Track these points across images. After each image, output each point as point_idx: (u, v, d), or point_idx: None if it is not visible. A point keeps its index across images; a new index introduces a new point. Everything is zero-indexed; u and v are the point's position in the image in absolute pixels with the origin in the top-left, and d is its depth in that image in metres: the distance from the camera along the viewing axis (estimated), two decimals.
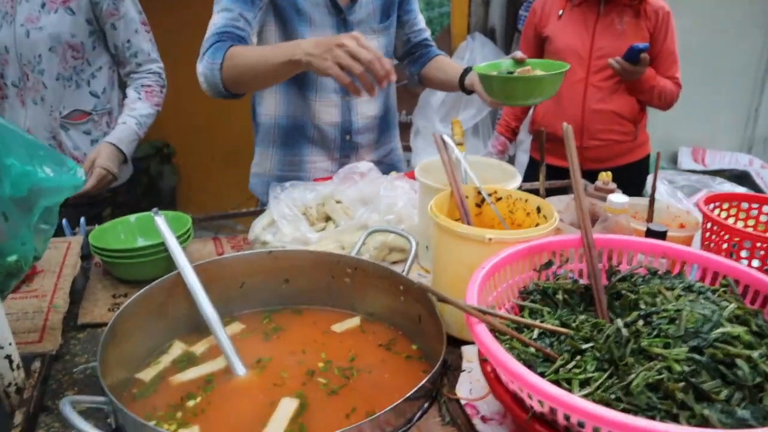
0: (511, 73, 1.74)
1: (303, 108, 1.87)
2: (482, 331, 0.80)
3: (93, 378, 1.09)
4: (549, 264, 1.08)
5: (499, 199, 1.29)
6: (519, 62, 1.80)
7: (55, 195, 0.89)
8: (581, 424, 0.71)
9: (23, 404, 0.93)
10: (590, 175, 2.09)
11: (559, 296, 1.03)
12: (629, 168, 2.59)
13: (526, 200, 1.26)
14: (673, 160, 4.21)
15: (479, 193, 1.29)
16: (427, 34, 2.05)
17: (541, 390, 0.71)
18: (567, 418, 0.72)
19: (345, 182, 1.54)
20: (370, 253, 1.42)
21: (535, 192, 1.86)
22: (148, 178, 4.57)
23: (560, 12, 2.50)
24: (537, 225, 1.24)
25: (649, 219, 1.41)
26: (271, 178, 1.97)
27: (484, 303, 0.93)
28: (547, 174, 2.67)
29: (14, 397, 0.96)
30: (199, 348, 1.21)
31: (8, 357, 0.94)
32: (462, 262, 1.10)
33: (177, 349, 1.21)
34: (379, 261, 1.42)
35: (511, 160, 3.24)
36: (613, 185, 1.56)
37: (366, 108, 1.95)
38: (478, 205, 1.30)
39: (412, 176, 1.66)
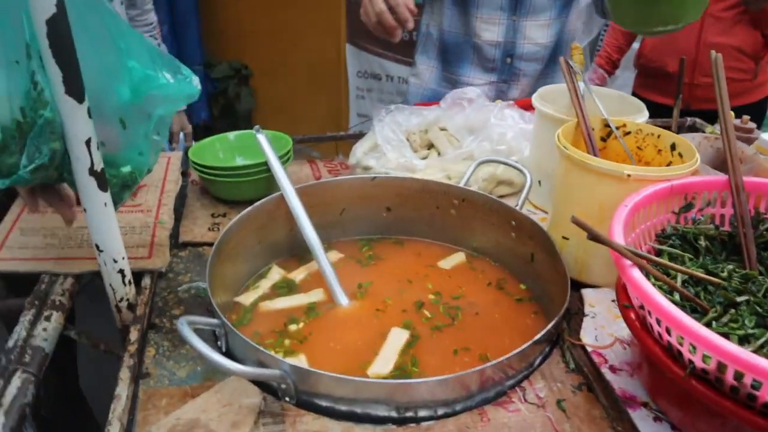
0: None
1: (465, 24, 1.81)
2: (638, 275, 0.72)
3: (197, 298, 1.07)
4: (689, 206, 0.98)
5: (628, 133, 1.18)
6: None
7: (171, 103, 0.84)
8: (756, 386, 0.63)
9: (137, 321, 0.91)
10: (700, 116, 1.93)
11: (702, 242, 0.93)
12: (744, 110, 2.37)
13: (659, 136, 1.15)
14: None
15: (606, 125, 1.18)
16: None
17: (712, 343, 0.63)
18: (738, 377, 0.64)
19: (452, 108, 1.45)
20: (478, 184, 1.33)
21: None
22: (225, 100, 4.55)
23: None
24: (669, 163, 1.13)
25: None
26: (427, 91, 1.94)
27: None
28: (652, 113, 2.52)
29: (126, 312, 0.94)
30: (298, 275, 1.17)
31: (121, 271, 0.91)
32: (593, 199, 1.01)
33: (275, 274, 1.17)
34: (486, 193, 1.34)
35: None
36: (753, 125, 1.41)
37: (535, 33, 1.82)
38: (603, 139, 1.19)
39: (521, 105, 1.56)
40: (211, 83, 4.55)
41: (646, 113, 1.28)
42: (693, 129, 1.89)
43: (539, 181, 1.31)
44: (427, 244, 1.28)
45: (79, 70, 0.79)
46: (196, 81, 0.86)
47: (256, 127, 1.26)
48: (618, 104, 1.35)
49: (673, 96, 2.34)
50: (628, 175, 0.96)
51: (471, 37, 1.82)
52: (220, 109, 4.62)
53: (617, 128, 1.17)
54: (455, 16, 1.82)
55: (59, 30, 0.76)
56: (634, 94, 2.59)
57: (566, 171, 1.05)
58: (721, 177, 0.99)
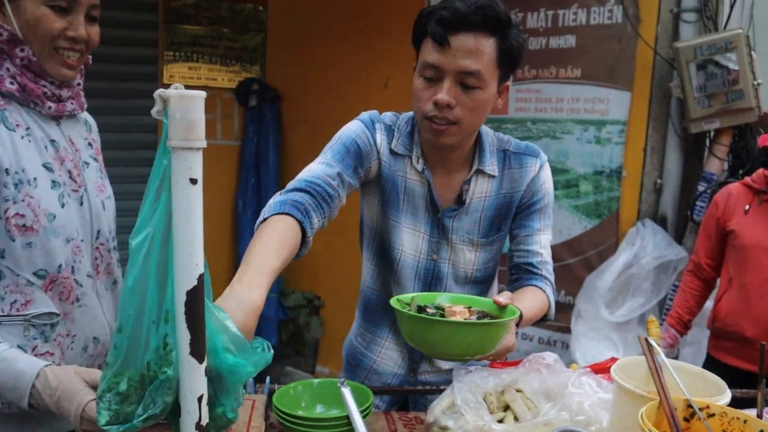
0: (441, 311, 1.38)
1: (387, 287, 1.72)
2: None
3: None
4: None
5: (712, 415, 1.18)
6: (501, 308, 1.43)
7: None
8: None
9: None
10: None
11: None
12: None
13: (745, 421, 1.14)
14: None
15: (689, 406, 1.18)
16: (538, 258, 1.67)
17: None
18: None
19: (529, 372, 1.48)
20: None
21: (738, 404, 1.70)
22: (295, 327, 4.72)
23: (747, 207, 2.40)
24: None
25: None
26: (349, 345, 1.84)
27: None
28: (722, 373, 2.46)
29: None
30: None
31: None
32: None
33: None
34: None
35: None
36: None
37: None
38: (686, 419, 1.19)
39: (596, 370, 1.58)
40: (282, 311, 4.75)
41: (729, 394, 1.28)
42: None
43: None
44: None
45: (204, 334, 0.88)
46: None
47: (341, 380, 1.32)
48: (700, 381, 1.35)
49: (751, 361, 2.32)
50: None
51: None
52: (288, 336, 4.77)
53: (701, 410, 1.17)
54: (380, 276, 1.71)
55: (196, 300, 0.87)
56: (709, 356, 2.56)
57: None
58: None
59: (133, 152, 4.38)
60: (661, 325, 2.80)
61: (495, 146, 1.64)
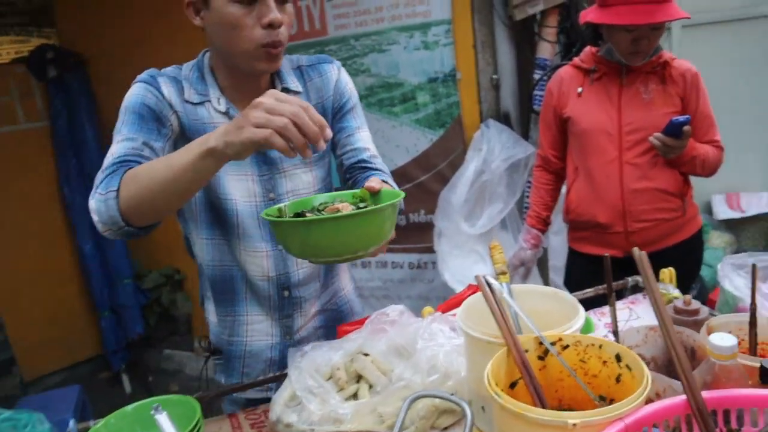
0: (320, 210, 1.27)
1: (230, 256, 1.55)
2: None
3: None
4: None
5: (566, 347, 1.05)
6: (373, 194, 1.30)
7: None
8: None
9: None
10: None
11: None
12: (681, 246, 2.33)
13: (600, 346, 1.03)
14: (708, 211, 3.95)
15: (541, 343, 1.05)
16: (367, 153, 1.59)
17: None
18: None
19: (374, 334, 1.31)
20: (415, 424, 1.17)
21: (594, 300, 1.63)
22: (161, 308, 4.40)
23: (579, 89, 2.30)
24: (618, 377, 1.00)
25: (752, 349, 1.12)
26: (215, 340, 1.64)
27: None
28: (585, 263, 2.43)
29: None
30: None
31: None
32: None
33: None
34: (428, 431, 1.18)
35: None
36: (696, 304, 1.30)
37: None
38: (541, 357, 1.06)
39: (449, 306, 1.44)
40: (142, 294, 4.41)
41: (583, 313, 1.16)
42: (636, 289, 1.80)
43: (482, 407, 1.16)
44: None
45: None
46: None
47: (155, 405, 1.09)
48: (550, 303, 1.24)
49: (610, 247, 2.30)
50: (574, 425, 0.82)
51: (240, 271, 1.55)
52: (156, 319, 4.45)
53: (553, 344, 1.05)
54: (218, 247, 1.55)
55: None
56: (570, 249, 2.52)
57: (505, 421, 0.90)
58: (678, 400, 0.86)
59: None
60: (523, 223, 2.73)
61: (289, 66, 1.59)
